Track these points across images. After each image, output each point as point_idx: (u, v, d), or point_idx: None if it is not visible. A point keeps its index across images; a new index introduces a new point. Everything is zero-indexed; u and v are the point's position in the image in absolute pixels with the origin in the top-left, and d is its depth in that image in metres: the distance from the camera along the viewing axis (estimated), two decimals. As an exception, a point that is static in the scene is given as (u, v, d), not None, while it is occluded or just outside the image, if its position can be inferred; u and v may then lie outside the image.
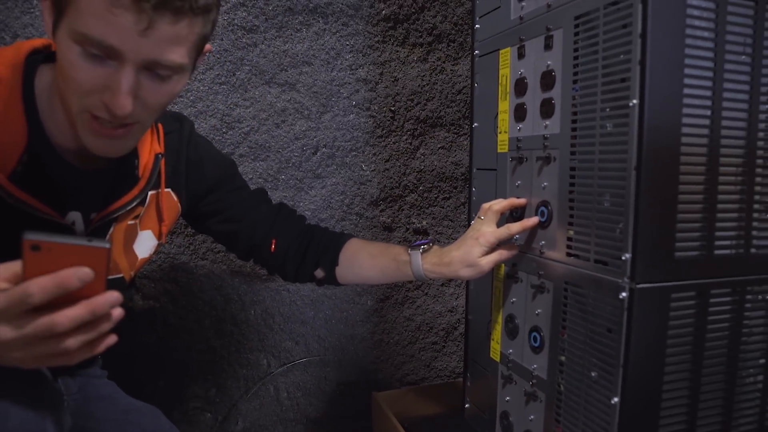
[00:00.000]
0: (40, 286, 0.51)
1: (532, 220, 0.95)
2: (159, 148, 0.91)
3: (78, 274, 0.52)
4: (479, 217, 0.99)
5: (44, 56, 0.79)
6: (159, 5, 0.62)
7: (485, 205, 0.99)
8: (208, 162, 1.02)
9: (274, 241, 1.07)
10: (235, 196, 1.06)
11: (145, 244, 0.95)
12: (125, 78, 0.65)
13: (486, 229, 0.97)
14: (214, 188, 1.04)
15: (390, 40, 1.52)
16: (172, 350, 1.40)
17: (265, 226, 1.07)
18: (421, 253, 1.01)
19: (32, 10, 1.20)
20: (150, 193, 0.92)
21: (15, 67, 0.74)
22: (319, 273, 1.08)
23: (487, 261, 0.96)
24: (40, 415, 0.64)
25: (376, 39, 1.50)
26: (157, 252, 1.01)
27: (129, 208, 0.87)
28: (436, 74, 1.59)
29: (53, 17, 0.67)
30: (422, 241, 1.04)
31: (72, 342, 0.55)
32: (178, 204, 0.98)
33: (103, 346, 0.58)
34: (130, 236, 0.92)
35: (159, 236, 0.97)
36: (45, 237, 0.51)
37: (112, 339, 0.58)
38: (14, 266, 0.55)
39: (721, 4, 0.76)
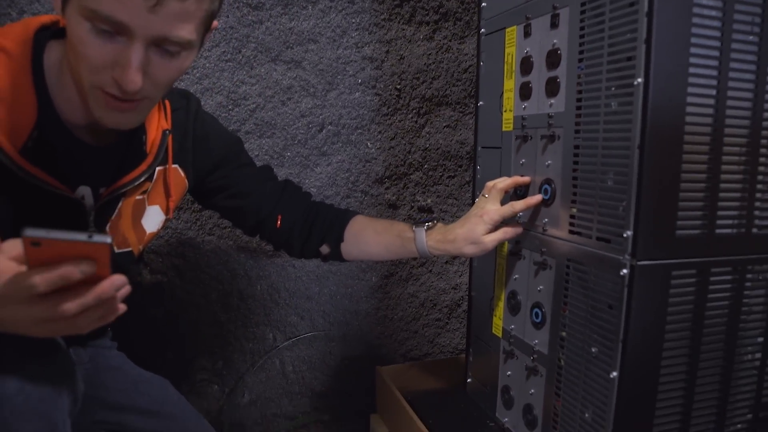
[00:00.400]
0: (44, 278, 0.53)
1: (535, 198, 0.96)
2: (166, 125, 0.92)
3: (80, 267, 0.53)
4: (483, 195, 1.00)
5: (52, 32, 0.80)
6: None
7: (489, 183, 1.00)
8: (215, 139, 1.03)
9: (280, 217, 1.08)
10: (241, 172, 1.07)
11: (153, 219, 0.97)
12: (135, 54, 0.66)
13: (490, 206, 0.98)
14: (220, 164, 1.04)
15: (396, 18, 1.51)
16: (180, 323, 1.43)
17: (271, 202, 1.08)
18: (426, 230, 1.02)
19: (39, -15, 1.20)
20: (157, 168, 0.93)
21: (24, 44, 0.75)
22: (325, 249, 1.09)
23: (491, 239, 0.97)
24: (54, 381, 0.66)
25: (383, 17, 1.50)
26: (164, 227, 1.03)
27: (137, 183, 0.88)
28: (442, 53, 1.58)
29: None
30: (427, 219, 1.05)
31: (81, 319, 0.57)
32: (186, 180, 1.00)
33: (112, 317, 0.59)
34: (138, 211, 0.94)
35: (167, 211, 0.98)
36: (44, 233, 0.51)
37: (122, 308, 0.60)
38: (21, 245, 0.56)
39: (729, -18, 0.76)
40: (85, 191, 0.84)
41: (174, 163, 0.96)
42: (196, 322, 1.44)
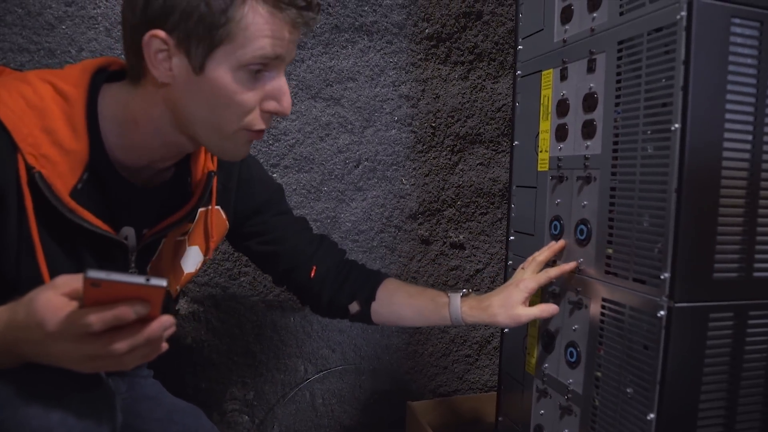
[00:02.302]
0: (100, 317, 0.55)
1: (570, 265, 0.98)
2: (212, 166, 0.93)
3: (135, 308, 0.56)
4: (521, 268, 1.02)
5: (108, 75, 0.82)
6: (309, 20, 0.75)
7: (529, 258, 1.02)
8: (258, 183, 1.04)
9: (314, 268, 1.07)
10: (280, 219, 1.07)
11: (192, 260, 0.98)
12: (285, 80, 0.78)
13: (526, 275, 0.99)
14: (261, 210, 1.05)
15: (432, 58, 1.56)
16: (214, 353, 1.45)
17: (307, 252, 1.07)
18: (461, 297, 1.01)
19: (96, 26, 1.27)
20: (200, 210, 0.94)
21: (81, 87, 0.77)
22: (354, 307, 1.07)
23: (527, 313, 0.97)
24: (96, 413, 0.67)
25: (419, 57, 1.54)
26: (203, 267, 1.03)
27: (180, 224, 0.90)
28: (477, 92, 1.62)
29: (190, 55, 0.72)
30: (461, 289, 1.05)
31: (128, 357, 0.59)
32: (226, 221, 1.00)
33: (155, 355, 0.62)
34: (179, 252, 0.95)
35: (206, 252, 0.99)
36: (105, 275, 0.54)
37: (164, 347, 0.62)
38: (73, 281, 0.59)
39: (765, 31, 0.78)
40: (128, 232, 0.85)
41: (216, 204, 0.96)
42: (230, 352, 1.47)
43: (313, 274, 1.07)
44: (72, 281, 0.59)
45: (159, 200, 0.89)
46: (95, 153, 0.78)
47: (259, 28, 0.71)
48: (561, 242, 1.01)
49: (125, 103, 0.79)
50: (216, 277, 1.43)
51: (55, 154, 0.73)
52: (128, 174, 0.83)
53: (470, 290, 1.03)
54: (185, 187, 0.91)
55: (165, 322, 0.59)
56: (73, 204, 0.74)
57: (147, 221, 0.87)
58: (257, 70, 0.73)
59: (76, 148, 0.75)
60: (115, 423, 0.71)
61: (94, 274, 0.53)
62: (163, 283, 0.55)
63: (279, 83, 0.76)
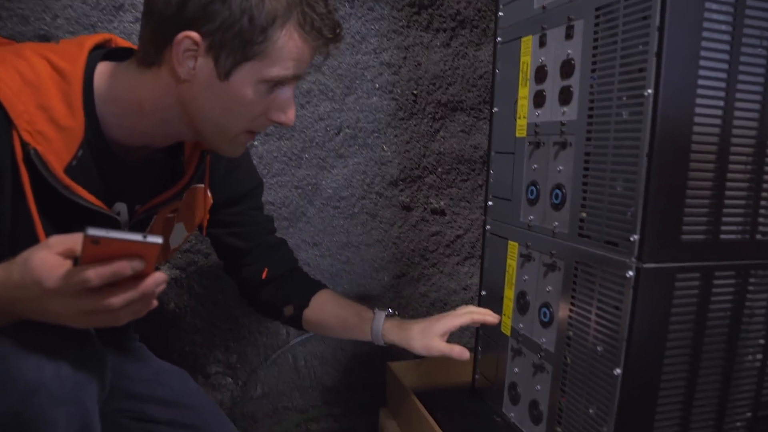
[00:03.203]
0: (98, 273, 0.58)
1: (494, 319, 1.11)
2: (204, 146, 0.93)
3: (132, 264, 0.59)
4: (455, 309, 1.11)
5: (105, 52, 0.83)
6: (332, 50, 0.82)
7: (466, 306, 1.13)
8: (245, 171, 1.06)
9: (266, 269, 1.11)
10: (253, 216, 1.11)
11: (177, 235, 1.00)
12: (293, 93, 0.83)
13: (452, 313, 1.08)
14: (240, 200, 1.07)
15: (414, 25, 1.56)
16: (197, 318, 1.47)
17: (265, 255, 1.11)
18: (386, 316, 1.07)
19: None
20: (188, 187, 0.95)
21: (77, 63, 0.77)
22: (288, 310, 1.12)
23: (438, 347, 1.04)
24: (87, 367, 0.69)
25: (401, 24, 1.54)
26: (185, 243, 1.05)
27: (171, 202, 0.91)
28: (459, 59, 1.63)
29: (218, 61, 0.75)
30: (390, 312, 1.10)
31: (122, 312, 0.62)
32: (211, 199, 1.01)
33: (146, 311, 0.65)
34: (167, 228, 0.97)
35: (189, 228, 1.01)
36: (104, 233, 0.56)
37: (155, 304, 0.65)
38: (67, 241, 0.61)
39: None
40: (121, 207, 0.87)
41: (204, 183, 0.98)
42: (213, 317, 1.49)
43: (264, 276, 1.11)
44: (65, 241, 0.61)
45: (152, 177, 0.90)
46: (90, 131, 0.79)
47: (289, 50, 0.76)
48: (496, 317, 1.12)
49: (131, 86, 0.79)
50: (198, 243, 1.44)
51: (50, 131, 0.74)
52: (122, 152, 0.84)
53: (396, 312, 1.11)
54: (178, 165, 0.92)
55: (158, 278, 0.62)
56: (67, 180, 0.76)
57: (139, 198, 0.89)
58: (274, 84, 0.79)
59: (72, 126, 0.76)
60: (105, 379, 0.73)
61: (94, 231, 0.55)
62: (159, 240, 0.58)
63: (289, 97, 0.82)
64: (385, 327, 1.06)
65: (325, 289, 1.15)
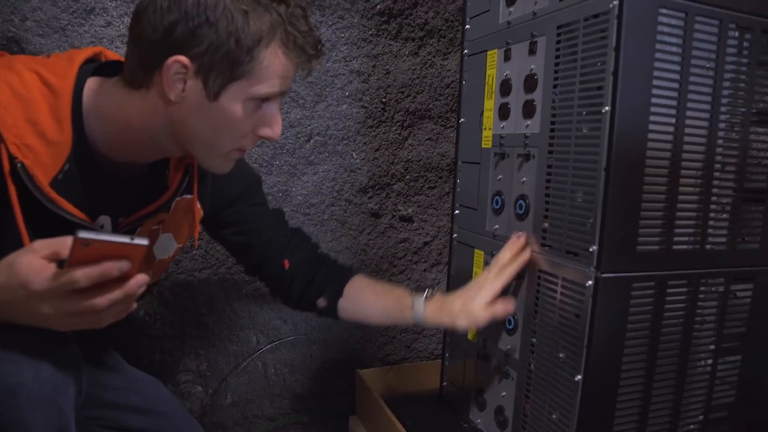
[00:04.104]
0: (86, 274, 0.60)
1: (526, 255, 0.99)
2: (190, 159, 0.93)
3: (119, 265, 0.61)
4: (489, 270, 1.02)
5: (96, 67, 0.84)
6: (314, 66, 0.83)
7: (500, 261, 1.01)
8: (236, 173, 1.04)
9: (287, 261, 1.09)
10: (256, 211, 1.09)
11: (164, 247, 0.99)
12: (279, 109, 0.84)
13: (490, 282, 1.00)
14: (237, 200, 1.07)
15: (383, 33, 1.58)
16: (167, 325, 1.46)
17: (281, 245, 1.10)
18: (424, 300, 1.04)
19: (40, -7, 1.24)
20: (176, 199, 0.95)
21: (67, 79, 0.78)
22: (322, 302, 1.09)
23: (484, 316, 0.99)
24: (66, 371, 0.70)
25: (370, 32, 1.56)
26: (176, 254, 1.04)
27: (156, 214, 0.91)
28: (427, 68, 1.65)
29: (206, 83, 0.76)
30: (427, 287, 1.06)
31: (106, 314, 0.64)
32: (201, 210, 1.01)
33: (126, 313, 0.67)
34: (152, 239, 0.96)
35: (179, 240, 1.00)
36: (95, 235, 0.58)
37: (134, 306, 0.67)
38: (51, 245, 0.63)
39: (689, 21, 0.83)
40: (105, 221, 0.88)
41: (192, 194, 0.97)
42: (183, 324, 1.48)
43: (285, 267, 1.09)
44: (49, 245, 0.63)
45: (137, 191, 0.91)
46: (78, 145, 0.79)
47: (275, 68, 0.78)
48: (522, 239, 1.00)
49: (119, 104, 0.80)
50: (167, 250, 1.43)
51: (38, 145, 0.75)
52: (108, 166, 0.85)
53: (435, 290, 1.06)
54: (162, 178, 0.93)
55: (140, 279, 0.64)
56: (52, 194, 0.76)
57: (124, 211, 0.89)
58: (261, 101, 0.80)
59: (60, 140, 0.77)
60: (81, 383, 0.74)
61: (86, 234, 0.58)
62: (145, 242, 0.61)
63: (275, 112, 0.83)
64: (426, 313, 1.03)
65: (358, 276, 1.12)
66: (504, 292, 1.01)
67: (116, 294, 0.62)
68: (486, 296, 1.00)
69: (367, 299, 1.09)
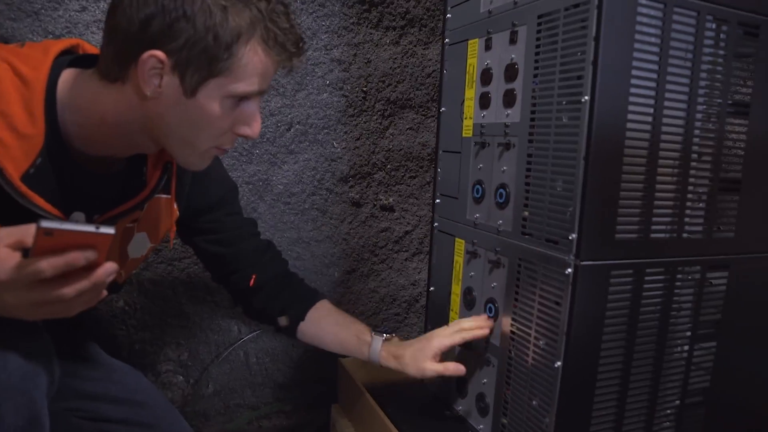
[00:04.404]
0: (51, 264, 0.59)
1: (484, 332, 1.05)
2: (169, 157, 0.92)
3: (85, 255, 0.60)
4: (446, 326, 1.09)
5: (71, 59, 0.82)
6: (295, 64, 0.82)
7: (459, 323, 1.08)
8: (214, 180, 1.06)
9: (254, 276, 1.11)
10: (231, 220, 1.10)
11: (138, 246, 0.99)
12: (258, 107, 0.83)
13: (445, 333, 1.07)
14: (213, 208, 1.07)
15: (364, 22, 1.57)
16: (147, 315, 1.45)
17: (251, 260, 1.11)
18: (383, 341, 1.10)
19: (12, -22, 1.21)
20: (152, 197, 0.94)
21: (41, 70, 0.76)
22: (283, 321, 1.13)
23: (432, 368, 1.05)
24: (35, 360, 0.70)
25: (351, 21, 1.55)
26: (150, 254, 1.04)
27: (131, 212, 0.90)
28: (407, 57, 1.65)
29: (183, 79, 0.74)
30: (386, 329, 1.11)
31: (74, 302, 0.63)
32: (177, 211, 1.01)
33: (96, 301, 0.66)
34: (126, 238, 0.96)
35: (154, 239, 1.00)
36: (58, 224, 0.57)
37: (104, 294, 0.66)
38: (16, 233, 0.62)
39: (667, 12, 0.84)
40: (79, 216, 0.86)
41: (169, 194, 0.97)
42: (163, 314, 1.47)
43: (252, 283, 1.11)
44: (13, 233, 0.62)
45: (113, 187, 0.89)
46: (51, 138, 0.77)
47: (254, 66, 0.77)
48: (490, 321, 1.05)
49: (94, 98, 0.78)
50: (146, 240, 1.42)
51: (8, 138, 0.73)
52: (83, 160, 0.83)
53: (393, 335, 1.11)
54: (140, 175, 0.91)
55: (109, 268, 0.63)
56: (23, 188, 0.75)
57: (99, 207, 0.88)
58: (240, 98, 0.79)
59: (32, 133, 0.75)
60: (53, 373, 0.73)
61: (48, 223, 0.56)
62: (111, 231, 0.60)
63: (254, 110, 0.82)
64: (381, 354, 1.09)
65: (321, 302, 1.15)
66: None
67: (83, 284, 0.61)
68: (434, 349, 1.05)
69: (328, 329, 1.13)
